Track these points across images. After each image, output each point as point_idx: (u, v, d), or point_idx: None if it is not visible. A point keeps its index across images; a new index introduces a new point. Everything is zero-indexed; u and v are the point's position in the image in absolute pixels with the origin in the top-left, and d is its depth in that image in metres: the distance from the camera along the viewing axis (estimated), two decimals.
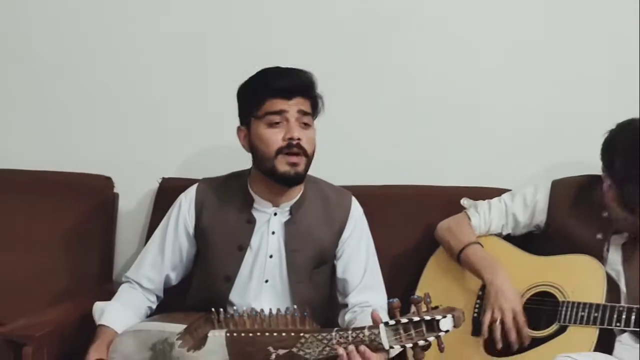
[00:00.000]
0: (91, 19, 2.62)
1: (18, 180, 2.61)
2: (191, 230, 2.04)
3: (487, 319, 1.99)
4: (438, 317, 1.68)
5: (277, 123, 1.90)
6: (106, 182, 2.58)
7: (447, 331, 1.68)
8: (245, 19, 2.53)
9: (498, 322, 1.96)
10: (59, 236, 2.54)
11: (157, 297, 2.10)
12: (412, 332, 1.69)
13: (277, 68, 1.96)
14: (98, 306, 2.03)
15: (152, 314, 2.09)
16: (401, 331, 1.70)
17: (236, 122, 2.06)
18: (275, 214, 1.99)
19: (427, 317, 1.68)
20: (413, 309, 1.72)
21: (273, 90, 1.89)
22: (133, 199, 2.62)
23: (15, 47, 2.66)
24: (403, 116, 2.47)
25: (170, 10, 2.57)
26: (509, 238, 2.19)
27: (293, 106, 1.90)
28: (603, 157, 1.99)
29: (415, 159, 2.47)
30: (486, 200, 2.20)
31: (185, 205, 2.05)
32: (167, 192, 2.48)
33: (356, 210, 2.06)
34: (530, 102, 2.43)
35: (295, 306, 1.81)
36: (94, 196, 2.57)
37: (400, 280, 2.20)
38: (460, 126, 2.45)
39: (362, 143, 2.48)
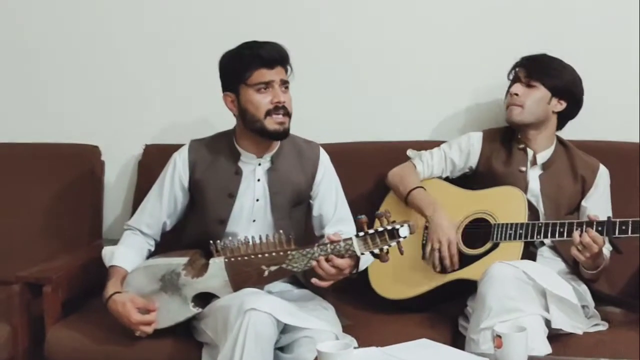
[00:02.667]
0: None
1: (16, 153, 2.84)
2: (186, 184, 2.33)
3: (428, 249, 2.39)
4: (397, 226, 2.04)
5: (265, 90, 2.23)
6: (94, 151, 2.83)
7: (405, 237, 2.04)
8: None
9: (436, 250, 2.35)
10: (53, 201, 2.79)
11: (155, 240, 2.39)
12: (378, 240, 2.05)
13: (257, 42, 2.25)
14: (107, 250, 2.32)
15: (152, 255, 2.37)
16: (369, 240, 2.06)
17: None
18: (259, 164, 2.31)
19: (389, 227, 2.05)
20: (377, 223, 2.08)
21: (260, 61, 2.21)
22: (119, 164, 2.86)
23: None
24: (361, 82, 2.76)
25: None
26: (448, 180, 2.56)
27: (276, 76, 2.22)
28: None
29: (367, 118, 2.76)
30: (428, 150, 2.57)
31: (180, 162, 2.33)
32: (150, 157, 2.76)
33: (324, 157, 2.39)
34: (464, 63, 2.71)
35: (281, 231, 2.14)
36: (83, 164, 2.81)
37: None
38: (405, 90, 2.75)
39: (325, 105, 2.76)
